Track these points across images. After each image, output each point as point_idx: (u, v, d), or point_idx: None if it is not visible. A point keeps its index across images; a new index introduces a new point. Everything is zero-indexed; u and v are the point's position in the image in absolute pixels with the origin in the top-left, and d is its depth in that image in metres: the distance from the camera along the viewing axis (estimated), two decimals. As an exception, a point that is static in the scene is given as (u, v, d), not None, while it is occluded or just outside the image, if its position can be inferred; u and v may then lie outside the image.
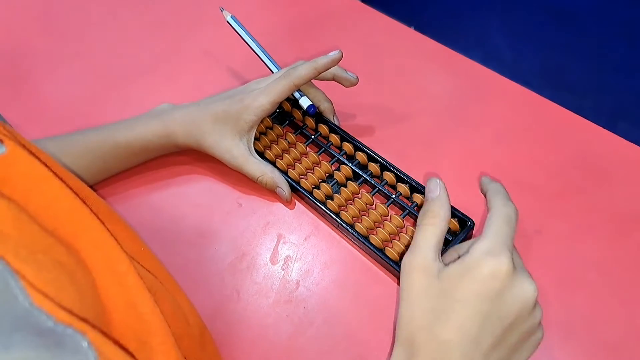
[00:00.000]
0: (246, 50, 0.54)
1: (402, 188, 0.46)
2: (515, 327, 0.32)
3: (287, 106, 0.53)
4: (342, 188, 0.47)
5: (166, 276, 0.36)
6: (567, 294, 0.42)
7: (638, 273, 0.43)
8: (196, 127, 0.47)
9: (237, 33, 0.54)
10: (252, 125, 0.47)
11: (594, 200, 0.47)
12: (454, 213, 0.43)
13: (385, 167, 0.48)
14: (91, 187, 0.50)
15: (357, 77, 0.50)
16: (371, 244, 0.43)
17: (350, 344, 0.41)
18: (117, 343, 0.23)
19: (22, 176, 0.26)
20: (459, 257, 0.34)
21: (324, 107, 0.51)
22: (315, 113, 0.51)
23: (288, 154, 0.50)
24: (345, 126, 0.53)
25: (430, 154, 0.52)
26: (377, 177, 0.49)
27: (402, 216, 0.45)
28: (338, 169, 0.49)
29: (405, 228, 0.44)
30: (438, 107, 0.56)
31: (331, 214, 0.46)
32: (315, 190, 0.47)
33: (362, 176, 0.48)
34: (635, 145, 0.51)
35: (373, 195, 0.47)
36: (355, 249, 0.46)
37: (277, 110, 0.54)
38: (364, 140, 0.50)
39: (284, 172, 0.49)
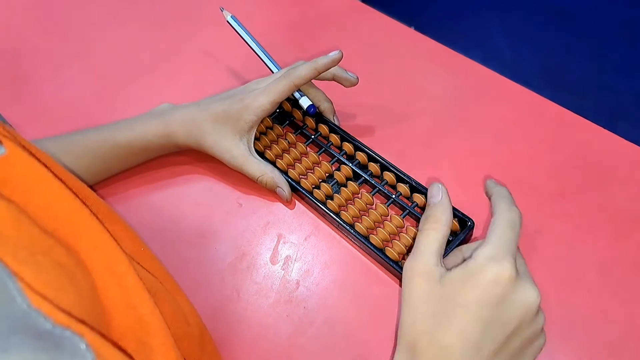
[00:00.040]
0: (246, 50, 0.54)
1: (402, 188, 0.46)
2: (517, 333, 0.32)
3: (287, 106, 0.53)
4: (342, 188, 0.47)
5: (166, 276, 0.36)
6: (567, 294, 0.42)
7: (638, 273, 0.43)
8: (196, 127, 0.47)
9: (237, 33, 0.54)
10: (252, 125, 0.47)
11: (594, 200, 0.47)
12: (454, 213, 0.43)
13: (385, 167, 0.48)
14: (91, 187, 0.50)
15: (357, 77, 0.50)
16: (371, 243, 0.43)
17: (350, 343, 0.41)
18: (115, 345, 0.23)
19: (22, 177, 0.26)
20: (463, 261, 0.34)
21: (324, 107, 0.51)
22: (315, 113, 0.51)
23: (288, 153, 0.50)
24: (345, 126, 0.53)
25: (430, 154, 0.52)
26: (377, 177, 0.49)
27: (402, 216, 0.45)
28: (338, 169, 0.49)
29: (405, 228, 0.44)
30: (438, 107, 0.56)
31: (331, 214, 0.45)
32: (316, 190, 0.47)
33: (362, 176, 0.48)
34: (635, 145, 0.51)
35: (373, 195, 0.47)
36: (356, 248, 0.46)
37: (277, 110, 0.54)
38: (364, 140, 0.50)
39: (284, 172, 0.49)
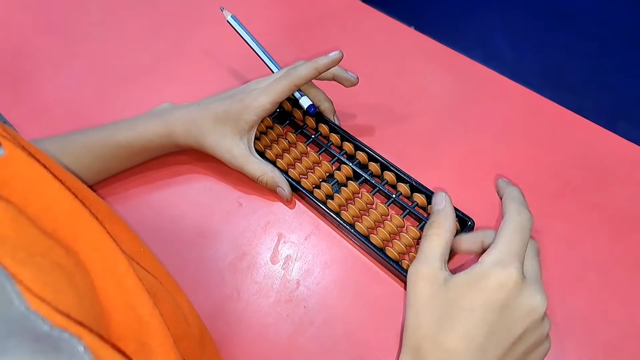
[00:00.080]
0: (246, 50, 0.54)
1: (403, 188, 0.46)
2: (522, 338, 0.32)
3: (288, 106, 0.53)
4: (343, 188, 0.47)
5: (166, 276, 0.36)
6: (567, 294, 0.42)
7: (638, 273, 0.43)
8: (197, 127, 0.47)
9: (237, 33, 0.54)
10: (253, 125, 0.47)
11: (594, 200, 0.47)
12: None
13: (385, 166, 0.48)
14: (91, 187, 0.50)
15: (358, 77, 0.50)
16: (371, 243, 0.43)
17: (350, 343, 0.41)
18: (114, 346, 0.23)
19: (21, 178, 0.26)
20: (481, 251, 0.34)
21: (324, 106, 0.51)
22: (315, 113, 0.51)
23: (288, 153, 0.50)
24: (345, 126, 0.53)
25: (430, 154, 0.52)
26: (378, 176, 0.49)
27: (402, 216, 0.45)
28: (338, 169, 0.49)
29: (405, 227, 0.44)
30: (438, 107, 0.56)
31: (331, 214, 0.46)
32: (316, 189, 0.47)
33: (363, 176, 0.48)
34: (636, 145, 0.51)
35: (373, 194, 0.47)
36: (356, 248, 0.46)
37: (278, 110, 0.54)
38: (364, 140, 0.50)
39: (285, 172, 0.49)
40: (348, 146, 0.50)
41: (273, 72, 0.52)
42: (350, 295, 0.43)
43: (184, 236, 0.47)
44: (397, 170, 0.47)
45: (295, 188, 0.48)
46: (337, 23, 0.66)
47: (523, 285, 0.32)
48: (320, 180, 0.48)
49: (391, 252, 0.43)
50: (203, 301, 0.42)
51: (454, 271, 0.35)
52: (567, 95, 1.39)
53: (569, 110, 0.54)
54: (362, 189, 0.48)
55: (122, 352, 0.23)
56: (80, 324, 0.21)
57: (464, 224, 0.44)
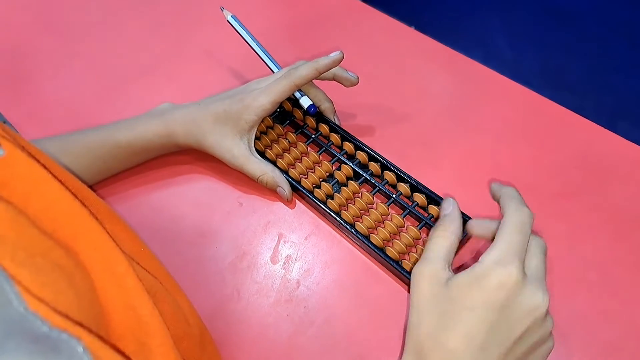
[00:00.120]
0: (246, 50, 0.54)
1: (403, 187, 0.46)
2: (524, 337, 0.32)
3: (288, 106, 0.53)
4: (343, 187, 0.47)
5: (166, 276, 0.36)
6: (567, 294, 0.42)
7: (638, 273, 0.43)
8: (197, 127, 0.47)
9: (237, 33, 0.54)
10: (253, 125, 0.47)
11: (594, 200, 0.47)
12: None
13: (385, 166, 0.48)
14: (91, 187, 0.50)
15: (358, 77, 0.50)
16: (372, 243, 0.43)
17: (350, 343, 0.41)
18: (113, 347, 0.23)
19: (21, 178, 0.26)
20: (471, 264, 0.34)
21: (324, 106, 0.51)
22: (315, 113, 0.51)
23: (289, 153, 0.50)
24: (345, 126, 0.53)
25: (430, 154, 0.52)
26: (378, 176, 0.49)
27: (402, 215, 0.45)
28: (339, 169, 0.49)
29: (405, 227, 0.44)
30: (438, 107, 0.56)
31: (332, 214, 0.45)
32: (316, 189, 0.47)
33: (363, 176, 0.48)
34: (636, 145, 0.51)
35: (373, 194, 0.47)
36: (356, 248, 0.46)
37: (278, 110, 0.54)
38: (365, 139, 0.50)
39: (285, 172, 0.49)
40: (348, 146, 0.50)
41: (273, 72, 0.52)
42: (350, 295, 0.43)
43: (184, 236, 0.47)
44: (397, 170, 0.47)
45: (296, 188, 0.48)
46: (337, 23, 0.66)
47: (524, 283, 0.32)
48: (321, 180, 0.48)
49: (391, 251, 0.43)
50: (203, 301, 0.42)
51: (455, 272, 0.35)
52: (567, 95, 1.39)
53: (569, 110, 0.54)
54: (363, 189, 0.48)
55: (121, 353, 0.23)
56: (80, 324, 0.21)
57: (464, 223, 0.43)
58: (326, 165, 0.49)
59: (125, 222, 0.35)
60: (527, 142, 0.52)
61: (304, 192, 0.47)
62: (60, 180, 0.27)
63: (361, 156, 0.49)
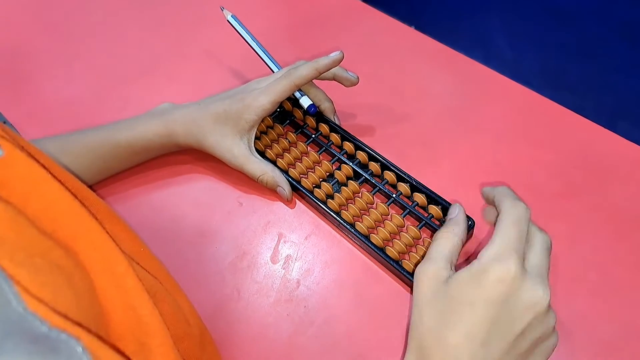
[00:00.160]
0: (246, 49, 0.54)
1: (403, 187, 0.46)
2: (526, 332, 0.32)
3: (288, 105, 0.53)
4: (343, 187, 0.47)
5: (166, 276, 0.36)
6: (567, 294, 0.42)
7: (638, 273, 0.43)
8: (197, 127, 0.47)
9: (237, 32, 0.54)
10: (253, 125, 0.47)
11: (594, 200, 0.47)
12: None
13: (385, 166, 0.48)
14: (91, 187, 0.50)
15: (358, 77, 0.50)
16: (372, 243, 0.43)
17: (350, 343, 0.41)
18: (113, 347, 0.23)
19: (20, 179, 0.26)
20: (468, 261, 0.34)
21: (324, 106, 0.51)
22: (315, 112, 0.51)
23: (289, 153, 0.50)
24: (345, 125, 0.53)
25: (430, 154, 0.52)
26: (378, 176, 0.49)
27: (402, 215, 0.45)
28: (339, 168, 0.49)
29: (405, 227, 0.44)
30: (438, 106, 0.56)
31: (332, 213, 0.45)
32: (316, 189, 0.47)
33: (363, 175, 0.48)
34: (636, 145, 0.51)
35: (374, 194, 0.47)
36: (356, 248, 0.46)
37: (278, 110, 0.54)
38: (365, 139, 0.50)
39: (285, 171, 0.49)
40: (348, 146, 0.50)
41: (273, 71, 0.52)
42: (350, 295, 0.43)
43: (184, 236, 0.47)
44: (398, 169, 0.47)
45: (296, 188, 0.48)
46: (337, 23, 0.66)
47: (523, 278, 0.32)
48: (321, 179, 0.48)
49: (391, 251, 0.43)
50: (203, 300, 0.42)
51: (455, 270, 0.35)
52: (567, 95, 1.39)
53: (569, 110, 0.54)
54: (363, 189, 0.48)
55: (121, 353, 0.23)
56: (79, 324, 0.21)
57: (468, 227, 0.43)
58: (326, 165, 0.49)
59: (125, 222, 0.35)
60: (527, 142, 0.52)
61: (304, 192, 0.47)
62: (59, 180, 0.27)
63: (361, 156, 0.49)
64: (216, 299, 0.43)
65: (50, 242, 0.24)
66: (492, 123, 0.54)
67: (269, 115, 0.52)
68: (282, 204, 0.49)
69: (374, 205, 0.46)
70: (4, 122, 0.58)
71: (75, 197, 0.28)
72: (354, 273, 0.44)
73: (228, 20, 0.54)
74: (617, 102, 1.40)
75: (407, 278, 0.41)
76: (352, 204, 0.46)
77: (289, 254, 0.46)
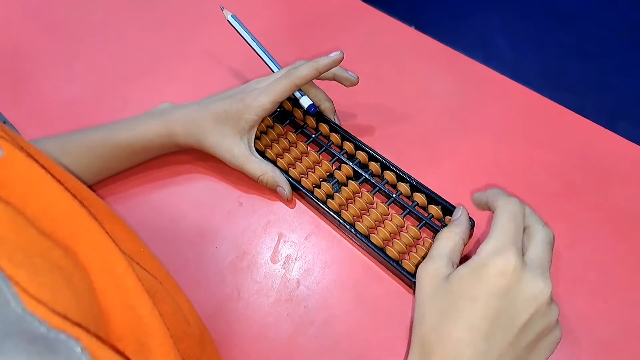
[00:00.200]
0: (246, 49, 0.54)
1: (403, 187, 0.46)
2: (529, 325, 0.32)
3: (288, 105, 0.53)
4: (343, 187, 0.47)
5: (166, 277, 0.36)
6: (567, 293, 0.42)
7: (638, 273, 0.43)
8: (197, 127, 0.47)
9: (237, 32, 0.54)
10: (253, 125, 0.47)
11: (595, 200, 0.47)
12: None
13: (385, 166, 0.48)
14: (90, 187, 0.50)
15: (358, 77, 0.50)
16: (372, 243, 0.43)
17: (350, 343, 0.41)
18: (113, 347, 0.23)
19: (20, 179, 0.26)
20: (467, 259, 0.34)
21: (324, 106, 0.51)
22: (315, 112, 0.51)
23: (289, 153, 0.50)
24: (345, 125, 0.53)
25: (430, 154, 0.52)
26: (378, 176, 0.49)
27: (402, 215, 0.45)
28: (339, 168, 0.49)
29: (405, 227, 0.44)
30: (438, 106, 0.56)
31: (332, 213, 0.45)
32: (316, 189, 0.47)
33: (363, 175, 0.48)
34: (636, 145, 0.51)
35: (374, 194, 0.47)
36: (356, 248, 0.46)
37: (278, 110, 0.54)
38: (365, 139, 0.50)
39: (285, 171, 0.49)
40: (348, 146, 0.50)
41: (273, 71, 0.52)
42: (350, 295, 0.43)
43: (184, 236, 0.47)
44: (398, 169, 0.47)
45: (296, 187, 0.48)
46: (337, 23, 0.66)
47: (523, 271, 0.32)
48: (321, 179, 0.48)
49: (391, 251, 0.43)
50: (203, 300, 0.42)
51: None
52: (567, 95, 1.39)
53: (569, 110, 0.54)
54: (363, 189, 0.48)
55: (120, 353, 0.23)
56: (78, 325, 0.21)
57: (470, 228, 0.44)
58: (326, 165, 0.49)
59: (125, 222, 0.35)
60: (527, 142, 0.52)
61: (304, 192, 0.47)
62: (59, 181, 0.27)
63: (361, 156, 0.49)
64: (216, 299, 0.43)
65: (50, 242, 0.24)
66: (492, 123, 0.54)
67: (269, 115, 0.52)
68: (282, 204, 0.49)
69: (374, 205, 0.46)
70: (4, 122, 0.58)
71: (75, 197, 0.27)
72: (354, 273, 0.44)
73: (228, 20, 0.54)
74: (617, 102, 1.40)
75: (407, 278, 0.41)
76: (352, 204, 0.46)
77: (289, 254, 0.46)
